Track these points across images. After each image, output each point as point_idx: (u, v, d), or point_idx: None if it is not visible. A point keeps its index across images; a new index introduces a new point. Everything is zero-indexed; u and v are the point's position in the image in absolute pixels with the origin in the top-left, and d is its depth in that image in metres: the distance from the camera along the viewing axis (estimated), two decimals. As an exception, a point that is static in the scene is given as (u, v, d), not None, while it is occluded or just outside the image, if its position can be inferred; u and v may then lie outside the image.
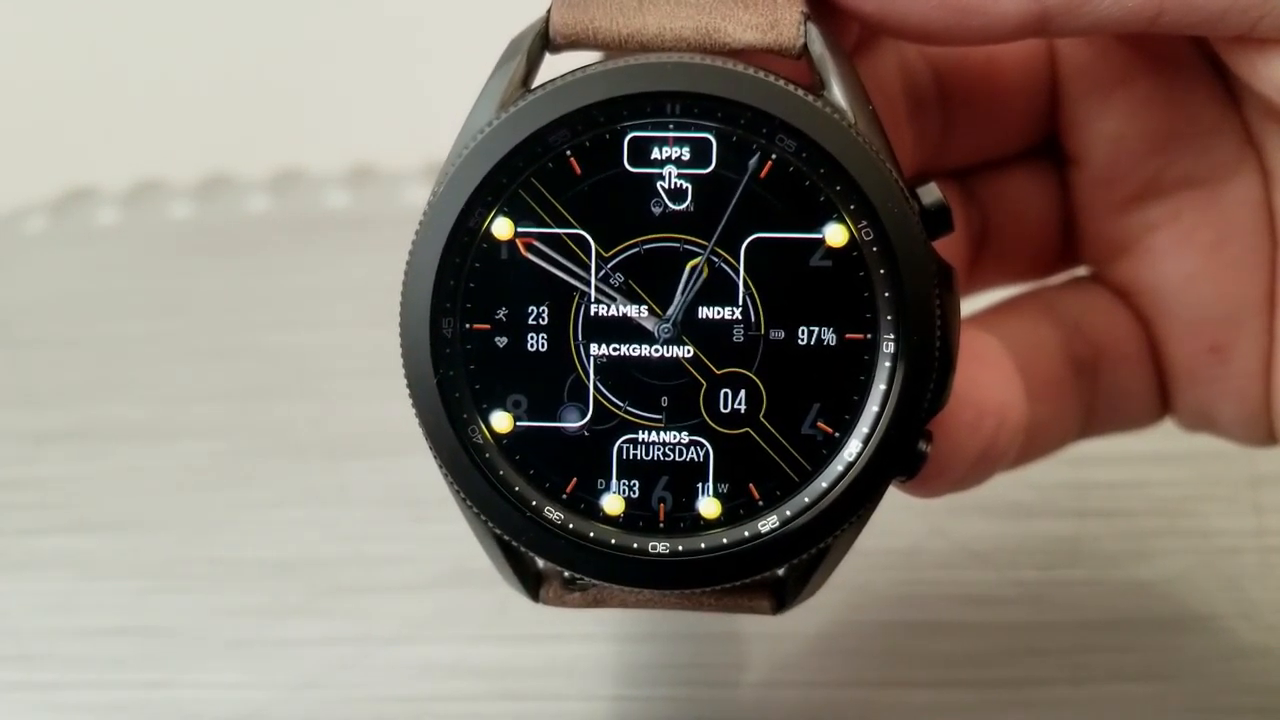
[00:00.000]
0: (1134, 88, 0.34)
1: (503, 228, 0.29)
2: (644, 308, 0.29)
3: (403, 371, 0.29)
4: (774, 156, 0.28)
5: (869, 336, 0.29)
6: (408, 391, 0.29)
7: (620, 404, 0.30)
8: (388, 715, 0.38)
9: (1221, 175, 0.34)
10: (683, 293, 0.29)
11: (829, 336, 0.29)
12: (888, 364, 0.29)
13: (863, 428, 0.29)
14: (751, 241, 0.29)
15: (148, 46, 0.84)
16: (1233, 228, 0.34)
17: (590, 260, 0.29)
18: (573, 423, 0.30)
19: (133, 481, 0.48)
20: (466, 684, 0.39)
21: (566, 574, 0.30)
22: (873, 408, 0.29)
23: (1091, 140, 0.34)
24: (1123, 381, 0.35)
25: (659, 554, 0.29)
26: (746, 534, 0.29)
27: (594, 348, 0.29)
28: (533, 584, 0.31)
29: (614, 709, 0.38)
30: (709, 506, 0.30)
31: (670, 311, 0.29)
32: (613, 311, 0.29)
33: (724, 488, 0.30)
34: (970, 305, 0.37)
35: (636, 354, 0.29)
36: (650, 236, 0.29)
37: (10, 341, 0.58)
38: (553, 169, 0.29)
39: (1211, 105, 0.33)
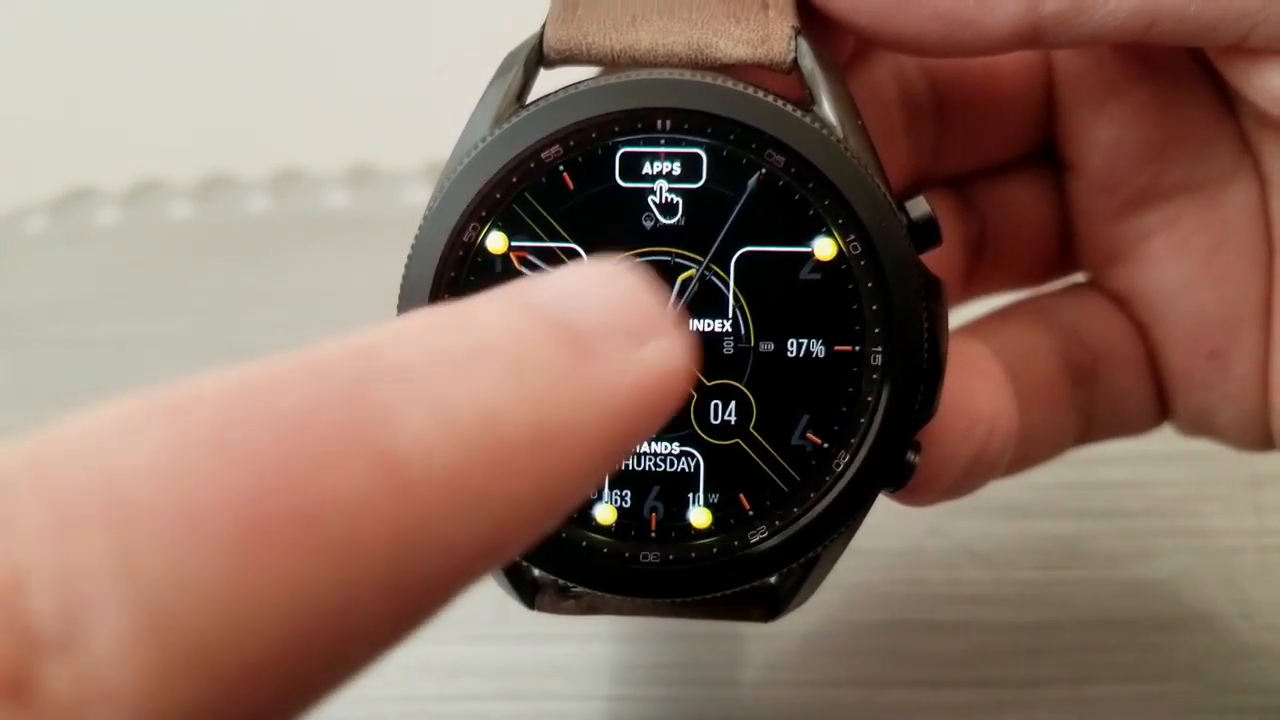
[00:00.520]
0: (1130, 95, 0.34)
1: (497, 242, 0.29)
2: None
3: None
4: (764, 171, 0.29)
5: (857, 349, 0.29)
6: None
7: None
8: (388, 715, 0.38)
9: (1218, 181, 0.34)
10: (674, 305, 0.29)
11: (818, 349, 0.29)
12: (875, 376, 0.29)
13: (851, 439, 0.29)
14: (741, 255, 0.29)
15: (148, 46, 0.84)
16: (1229, 234, 0.34)
17: None
18: None
19: (133, 481, 0.48)
20: (466, 684, 0.39)
21: (560, 582, 0.31)
22: (861, 419, 0.29)
23: (1088, 147, 0.34)
24: (1121, 387, 0.35)
25: (650, 563, 0.30)
26: (737, 543, 0.30)
27: None
28: (528, 592, 0.32)
29: (612, 709, 0.38)
30: (700, 516, 0.30)
31: None
32: None
33: (714, 498, 0.30)
34: (968, 312, 0.37)
35: None
36: (642, 250, 0.29)
37: (10, 341, 0.58)
38: (546, 184, 0.29)
39: (1207, 112, 0.33)
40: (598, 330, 0.21)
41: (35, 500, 0.16)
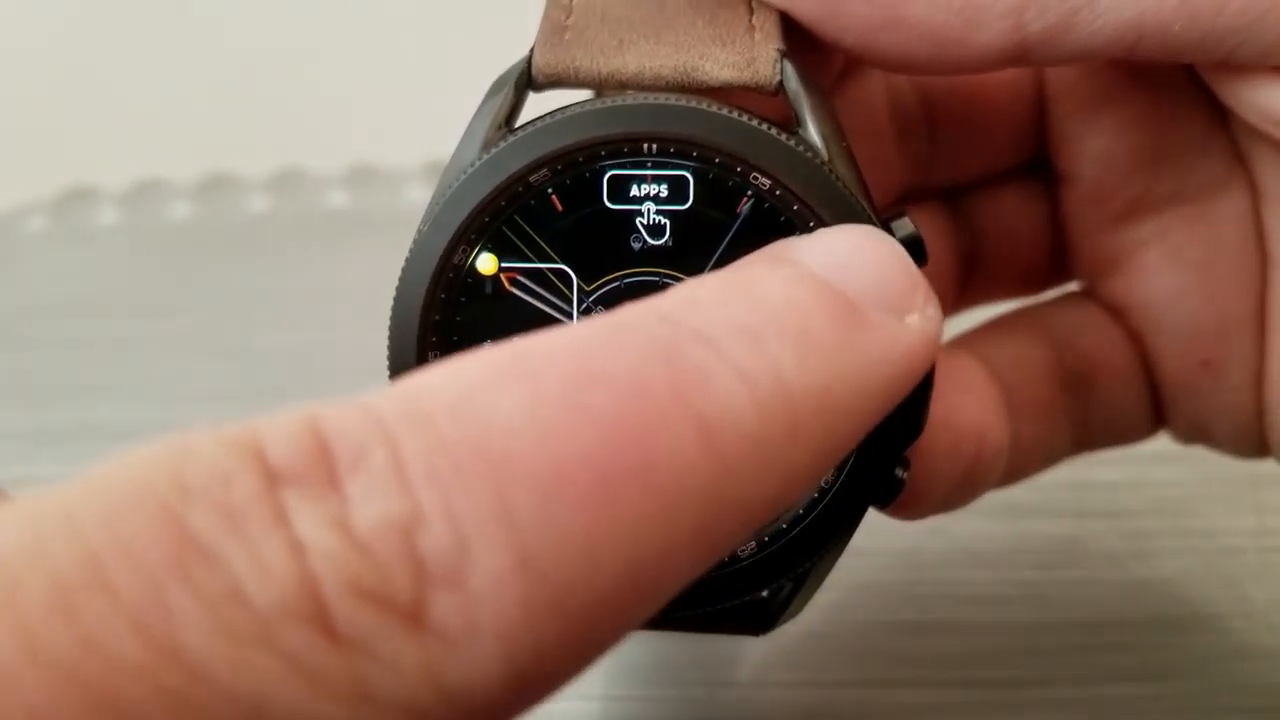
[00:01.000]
0: (1121, 106, 0.34)
1: (487, 263, 0.29)
2: None
3: None
4: (750, 193, 0.29)
5: None
6: None
7: None
8: (387, 715, 0.38)
9: (1210, 191, 0.34)
10: None
11: None
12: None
13: None
14: None
15: (148, 46, 0.84)
16: (1222, 243, 0.34)
17: (572, 294, 0.29)
18: None
19: (132, 481, 0.48)
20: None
21: None
22: None
23: (1080, 159, 0.34)
24: (1116, 397, 0.35)
25: None
26: (726, 558, 0.30)
27: None
28: None
29: (609, 709, 0.38)
30: None
31: None
32: None
33: None
34: (961, 322, 0.37)
35: None
36: (630, 271, 0.29)
37: (10, 341, 0.58)
38: (535, 206, 0.29)
39: (1199, 122, 0.33)
40: (870, 299, 0.23)
41: (418, 447, 0.19)
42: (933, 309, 0.25)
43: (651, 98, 0.29)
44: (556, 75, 0.30)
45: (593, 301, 0.29)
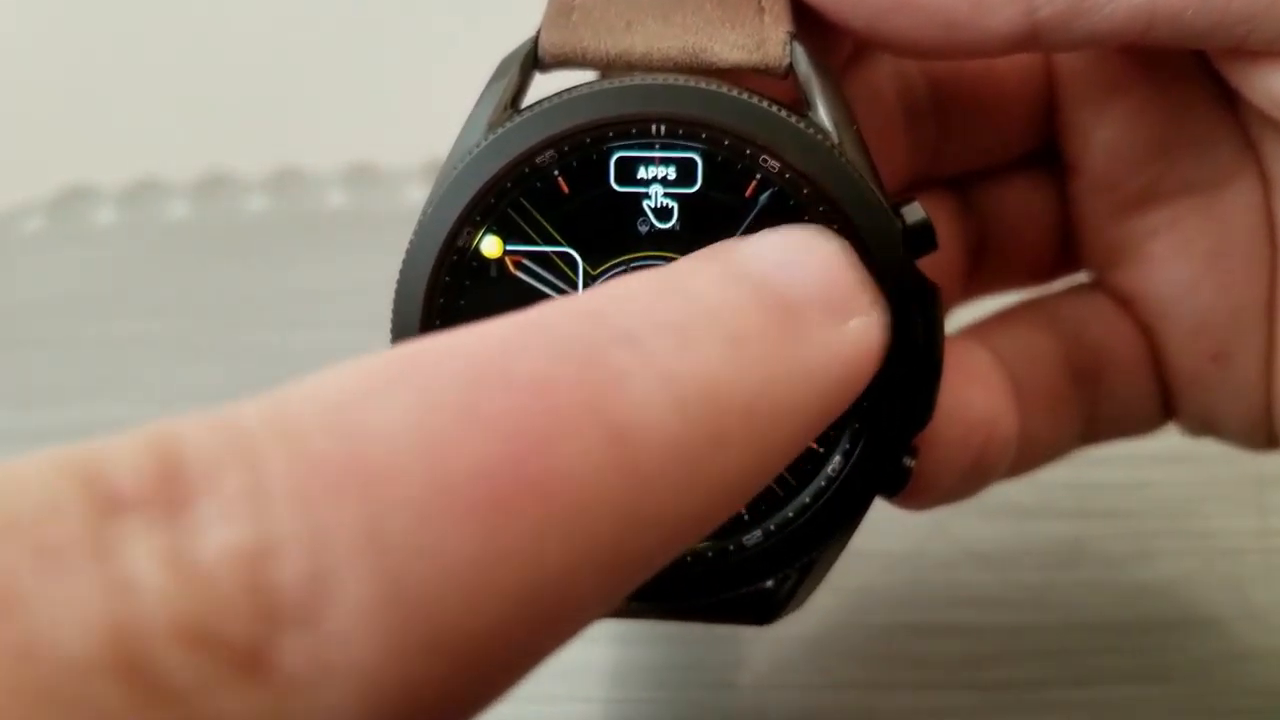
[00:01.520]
0: (1131, 95, 0.33)
1: (491, 246, 0.29)
2: None
3: None
4: (759, 176, 0.29)
5: None
6: None
7: None
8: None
9: (1220, 181, 0.33)
10: None
11: None
12: (871, 380, 0.29)
13: (845, 444, 0.29)
14: None
15: (146, 46, 0.84)
16: (1232, 233, 0.33)
17: (578, 277, 0.29)
18: None
19: (131, 482, 0.48)
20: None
21: None
22: (855, 424, 0.29)
23: (1089, 148, 0.34)
24: (1125, 388, 0.35)
25: None
26: (731, 548, 0.30)
27: None
28: None
29: (609, 711, 0.38)
30: None
31: None
32: None
33: None
34: (969, 312, 0.37)
35: None
36: (637, 254, 0.29)
37: (10, 341, 0.58)
38: (540, 188, 0.29)
39: (1209, 111, 0.33)
40: (807, 303, 0.22)
41: (282, 466, 0.16)
42: (879, 313, 0.24)
43: (660, 79, 0.28)
44: (563, 56, 0.30)
45: (598, 285, 0.29)
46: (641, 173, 0.29)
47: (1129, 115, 0.34)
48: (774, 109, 0.28)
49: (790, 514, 0.29)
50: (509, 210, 0.29)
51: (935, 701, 0.38)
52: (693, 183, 0.29)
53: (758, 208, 0.29)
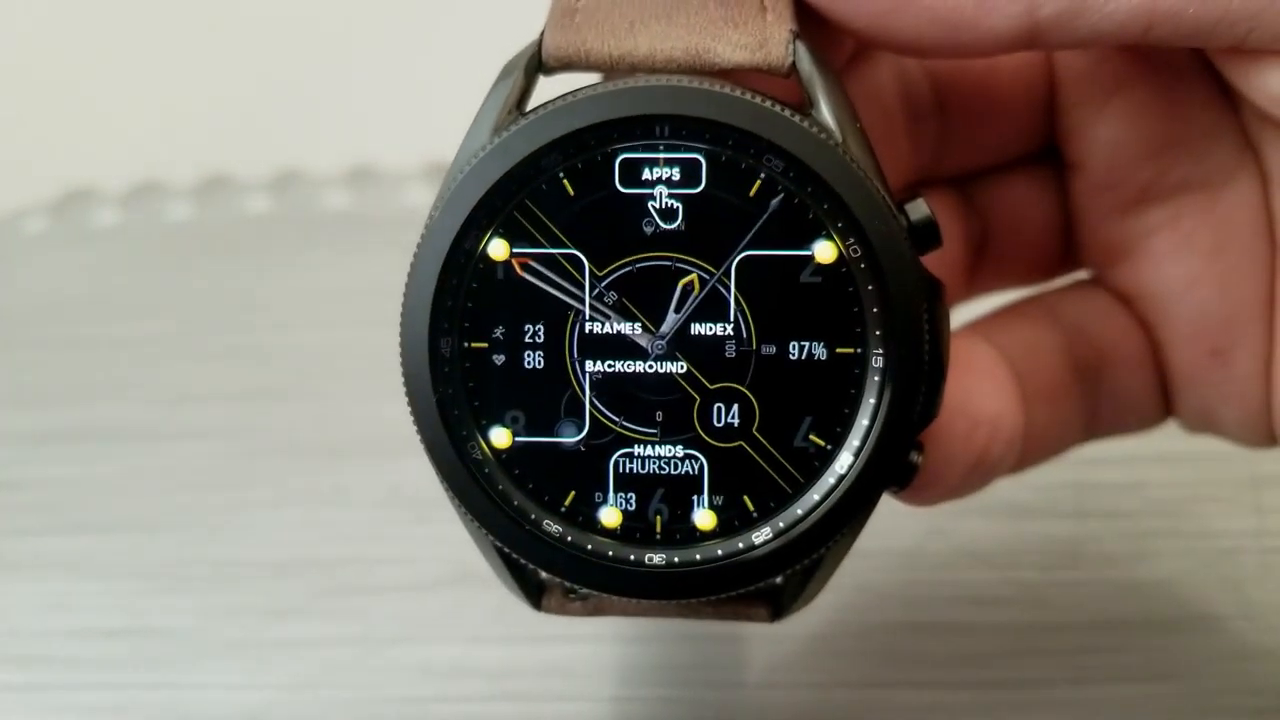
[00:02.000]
0: (1131, 93, 0.34)
1: (498, 248, 0.29)
2: (637, 325, 0.30)
3: (403, 388, 0.30)
4: (763, 175, 0.29)
5: (858, 351, 0.29)
6: (408, 408, 0.30)
7: (616, 419, 0.30)
8: (387, 716, 0.38)
9: (1220, 179, 0.34)
10: (676, 310, 0.29)
11: (819, 351, 0.29)
12: (877, 378, 0.29)
13: (853, 440, 0.29)
14: (742, 259, 0.29)
15: (147, 46, 0.84)
16: (1232, 231, 0.34)
17: (584, 279, 0.29)
18: (570, 437, 0.30)
19: (133, 481, 0.48)
20: (466, 684, 0.39)
21: (567, 584, 0.31)
22: (863, 421, 0.29)
23: (1090, 146, 0.34)
24: (1125, 385, 0.35)
25: (656, 565, 0.30)
26: (741, 545, 0.30)
27: (589, 364, 0.30)
28: (535, 594, 0.32)
29: (614, 710, 0.38)
30: (704, 518, 0.30)
31: (664, 328, 0.30)
32: (607, 329, 0.30)
33: (719, 500, 0.30)
34: (971, 309, 0.37)
35: (631, 370, 0.30)
36: (643, 255, 0.29)
37: (10, 341, 0.58)
38: (546, 191, 0.29)
39: (1209, 109, 0.33)
40: None
41: None
42: None
43: (663, 80, 0.29)
44: (567, 58, 0.30)
45: (605, 287, 0.29)
46: (646, 174, 0.29)
47: (1130, 114, 0.34)
48: (777, 108, 0.28)
49: (799, 511, 0.30)
50: (515, 213, 0.29)
51: (935, 699, 0.38)
52: (697, 183, 0.29)
53: (768, 212, 0.29)
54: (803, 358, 0.29)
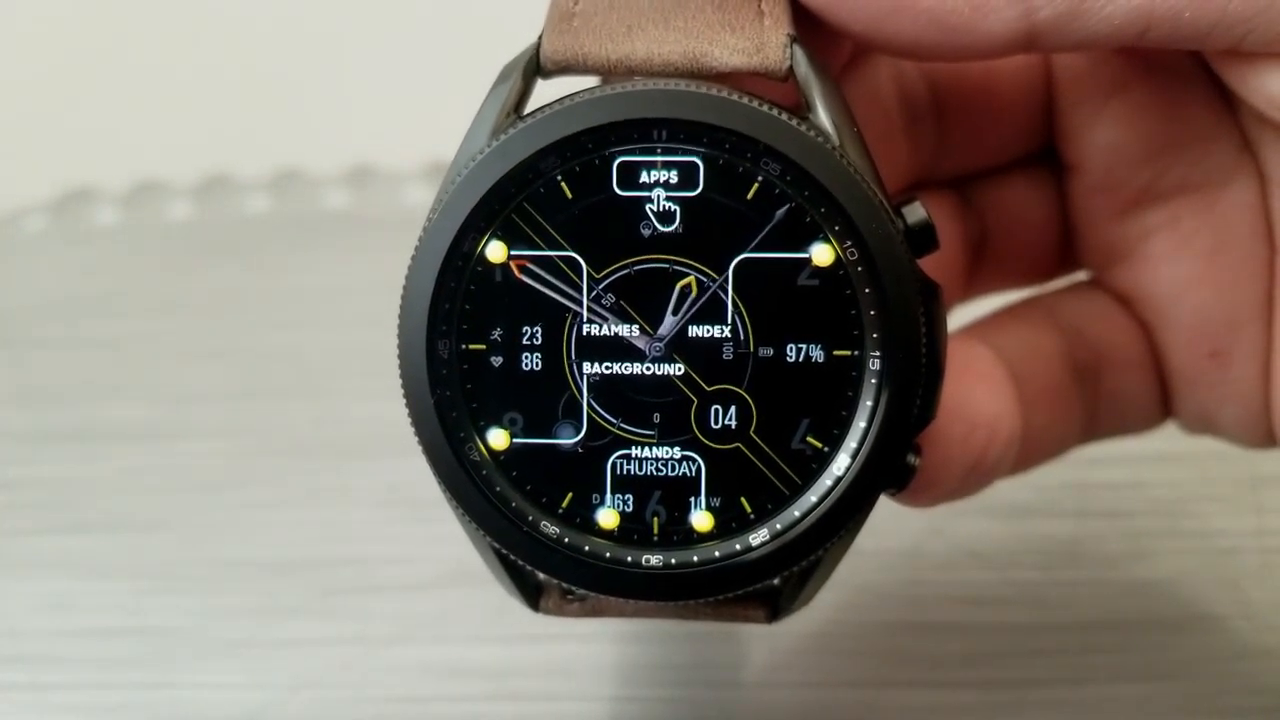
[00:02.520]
0: (1129, 95, 0.34)
1: (496, 251, 0.29)
2: (635, 327, 0.30)
3: (401, 389, 0.30)
4: (760, 179, 0.29)
5: (855, 353, 0.29)
6: (406, 410, 0.30)
7: (613, 421, 0.30)
8: (387, 715, 0.38)
9: (1218, 180, 0.34)
10: (674, 312, 0.29)
11: (817, 353, 0.29)
12: (874, 380, 0.29)
13: (851, 442, 0.29)
14: (740, 261, 0.29)
15: (147, 46, 0.84)
16: (1230, 232, 0.34)
17: (582, 281, 0.29)
18: (567, 439, 0.30)
19: (133, 481, 0.48)
20: (466, 684, 0.39)
21: (564, 585, 0.31)
22: (860, 423, 0.29)
23: (1088, 148, 0.34)
24: (1125, 386, 0.35)
25: (653, 567, 0.30)
26: (738, 547, 0.30)
27: (587, 366, 0.30)
28: (533, 594, 0.32)
29: (613, 709, 0.38)
30: (701, 520, 0.30)
31: (662, 330, 0.30)
32: (604, 331, 0.30)
33: (716, 501, 0.30)
34: (970, 311, 0.37)
35: (628, 372, 0.30)
36: (640, 258, 0.29)
37: (10, 341, 0.58)
38: (544, 193, 0.29)
39: (1207, 111, 0.33)
40: None
41: None
42: None
43: (661, 83, 0.29)
44: (565, 61, 0.30)
45: (603, 289, 0.29)
46: (644, 177, 0.29)
47: (1127, 116, 0.34)
48: (774, 112, 0.28)
49: (796, 513, 0.30)
50: (513, 215, 0.29)
51: (935, 699, 0.38)
52: (695, 186, 0.29)
53: (765, 215, 0.29)
54: (800, 360, 0.29)
